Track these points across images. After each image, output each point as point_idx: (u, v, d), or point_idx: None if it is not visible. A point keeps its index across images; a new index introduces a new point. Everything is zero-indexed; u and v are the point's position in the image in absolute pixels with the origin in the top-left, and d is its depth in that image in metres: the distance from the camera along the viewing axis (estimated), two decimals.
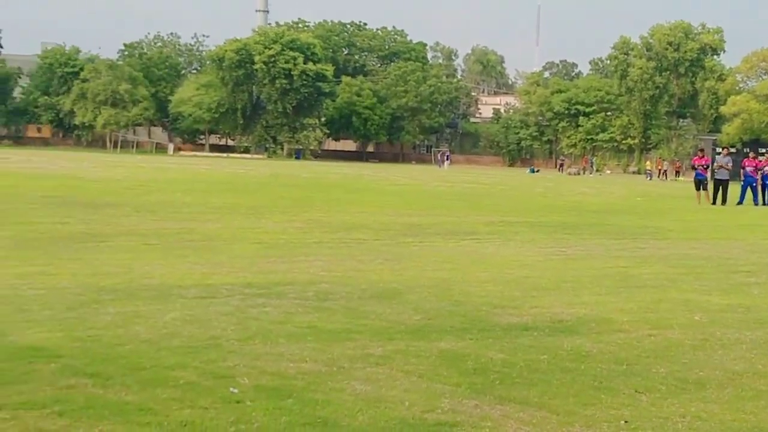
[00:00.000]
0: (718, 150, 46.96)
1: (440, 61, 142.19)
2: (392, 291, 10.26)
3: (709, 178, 34.66)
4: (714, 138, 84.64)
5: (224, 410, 5.53)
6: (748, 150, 39.59)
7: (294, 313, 8.70)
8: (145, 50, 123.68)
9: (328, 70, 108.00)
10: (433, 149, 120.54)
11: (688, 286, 11.58)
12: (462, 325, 8.44)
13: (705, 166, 34.81)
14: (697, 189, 34.11)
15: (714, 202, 32.97)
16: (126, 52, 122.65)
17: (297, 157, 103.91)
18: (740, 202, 33.59)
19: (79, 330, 7.61)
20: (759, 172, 34.81)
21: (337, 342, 7.52)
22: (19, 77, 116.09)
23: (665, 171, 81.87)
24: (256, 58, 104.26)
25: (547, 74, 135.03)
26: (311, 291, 9.98)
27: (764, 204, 33.88)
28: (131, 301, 9.03)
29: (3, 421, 5.20)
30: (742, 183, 34.85)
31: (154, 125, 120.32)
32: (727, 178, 33.92)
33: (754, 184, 34.40)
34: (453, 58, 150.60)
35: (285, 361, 6.79)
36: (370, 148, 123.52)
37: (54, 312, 8.36)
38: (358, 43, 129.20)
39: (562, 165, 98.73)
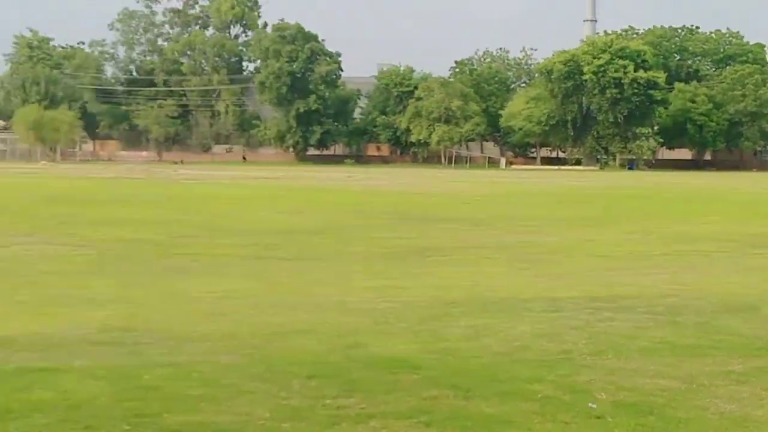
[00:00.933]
0: None
1: None
2: (746, 305, 9.79)
3: None
4: None
5: (586, 426, 5.49)
6: None
7: (644, 327, 8.50)
8: (475, 66, 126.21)
9: (660, 77, 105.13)
10: None
11: None
12: None
13: None
14: None
15: None
16: (457, 69, 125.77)
17: (630, 168, 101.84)
18: None
19: (432, 342, 7.85)
20: None
21: (693, 357, 7.25)
22: (358, 98, 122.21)
23: None
24: (585, 69, 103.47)
25: None
26: (660, 305, 9.70)
27: None
28: (479, 314, 9.19)
29: (374, 429, 5.45)
30: None
31: (486, 140, 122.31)
32: None
33: None
34: None
35: (640, 376, 6.64)
36: (707, 156, 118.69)
37: (408, 324, 8.67)
38: (690, 48, 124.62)
39: None
